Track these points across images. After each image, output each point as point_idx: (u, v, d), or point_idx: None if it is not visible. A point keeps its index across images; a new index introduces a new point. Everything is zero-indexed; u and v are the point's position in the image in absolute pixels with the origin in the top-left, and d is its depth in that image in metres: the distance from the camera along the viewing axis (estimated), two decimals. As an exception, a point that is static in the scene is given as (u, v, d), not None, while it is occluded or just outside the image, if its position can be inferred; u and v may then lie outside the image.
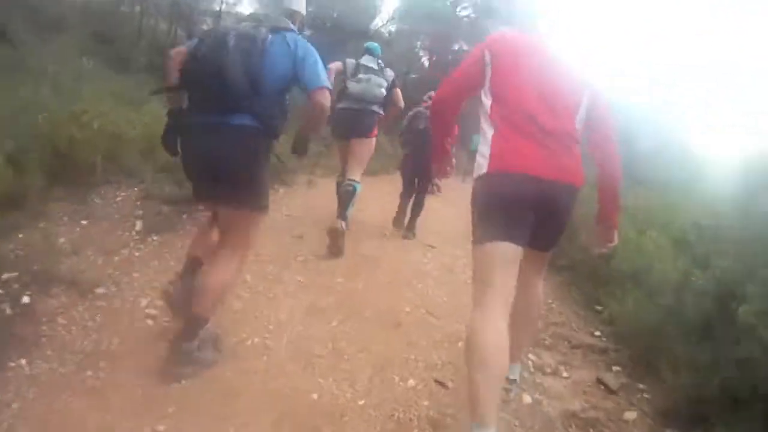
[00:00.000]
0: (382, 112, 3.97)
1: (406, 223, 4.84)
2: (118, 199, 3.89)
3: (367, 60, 3.91)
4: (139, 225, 3.42)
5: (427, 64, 18.77)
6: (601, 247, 1.91)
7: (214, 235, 2.19)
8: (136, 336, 2.18)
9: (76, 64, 5.91)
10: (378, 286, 3.16)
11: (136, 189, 4.15)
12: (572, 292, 3.58)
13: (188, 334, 1.92)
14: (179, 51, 2.01)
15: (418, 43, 18.69)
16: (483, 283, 1.67)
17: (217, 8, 12.79)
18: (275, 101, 1.98)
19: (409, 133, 4.95)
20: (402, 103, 4.08)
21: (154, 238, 3.27)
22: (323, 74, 2.02)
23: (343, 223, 3.63)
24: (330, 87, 2.08)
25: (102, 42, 9.02)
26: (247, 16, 2.23)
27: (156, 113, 5.33)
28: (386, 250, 4.07)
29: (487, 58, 1.76)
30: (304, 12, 2.39)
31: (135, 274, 2.72)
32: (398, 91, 4.03)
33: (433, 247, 4.48)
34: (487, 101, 1.75)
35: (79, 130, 3.75)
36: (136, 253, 3.00)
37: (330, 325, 2.51)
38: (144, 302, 2.46)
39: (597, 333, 2.90)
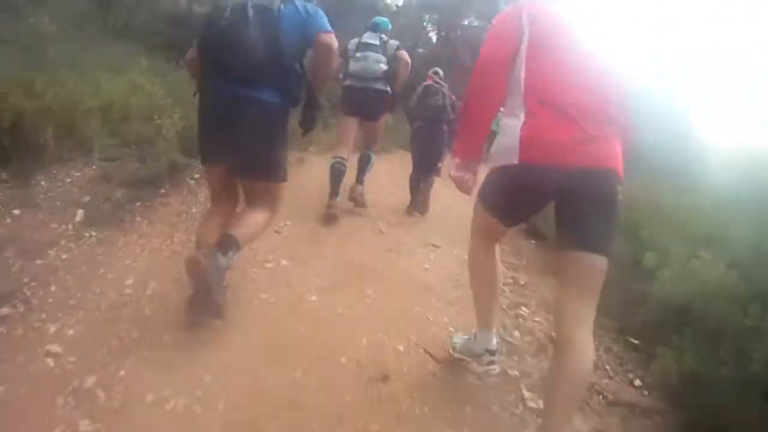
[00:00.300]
0: (388, 88, 3.94)
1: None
2: (69, 180, 3.31)
3: (368, 37, 3.94)
4: (80, 215, 2.84)
5: (435, 39, 18.23)
6: None
7: (218, 220, 2.22)
8: (30, 384, 1.63)
9: (63, 33, 5.33)
10: (363, 310, 2.48)
11: (93, 168, 3.58)
12: (600, 317, 2.95)
13: (223, 247, 1.94)
14: (192, 54, 2.14)
15: (426, 16, 18.13)
16: (479, 230, 1.85)
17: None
18: (292, 70, 2.09)
19: (419, 107, 4.66)
20: (408, 59, 3.98)
21: (92, 233, 2.69)
22: (328, 25, 2.11)
23: (361, 187, 4.11)
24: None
25: (102, 7, 8.52)
26: None
27: (135, 81, 4.82)
28: (380, 253, 3.38)
29: (525, 19, 1.56)
30: None
31: (52, 287, 2.15)
32: (403, 52, 3.96)
33: (437, 246, 3.85)
34: (520, 74, 1.56)
35: (28, 101, 3.21)
36: (64, 255, 2.42)
37: (290, 377, 1.83)
38: (52, 329, 1.90)
39: (637, 382, 2.28)
